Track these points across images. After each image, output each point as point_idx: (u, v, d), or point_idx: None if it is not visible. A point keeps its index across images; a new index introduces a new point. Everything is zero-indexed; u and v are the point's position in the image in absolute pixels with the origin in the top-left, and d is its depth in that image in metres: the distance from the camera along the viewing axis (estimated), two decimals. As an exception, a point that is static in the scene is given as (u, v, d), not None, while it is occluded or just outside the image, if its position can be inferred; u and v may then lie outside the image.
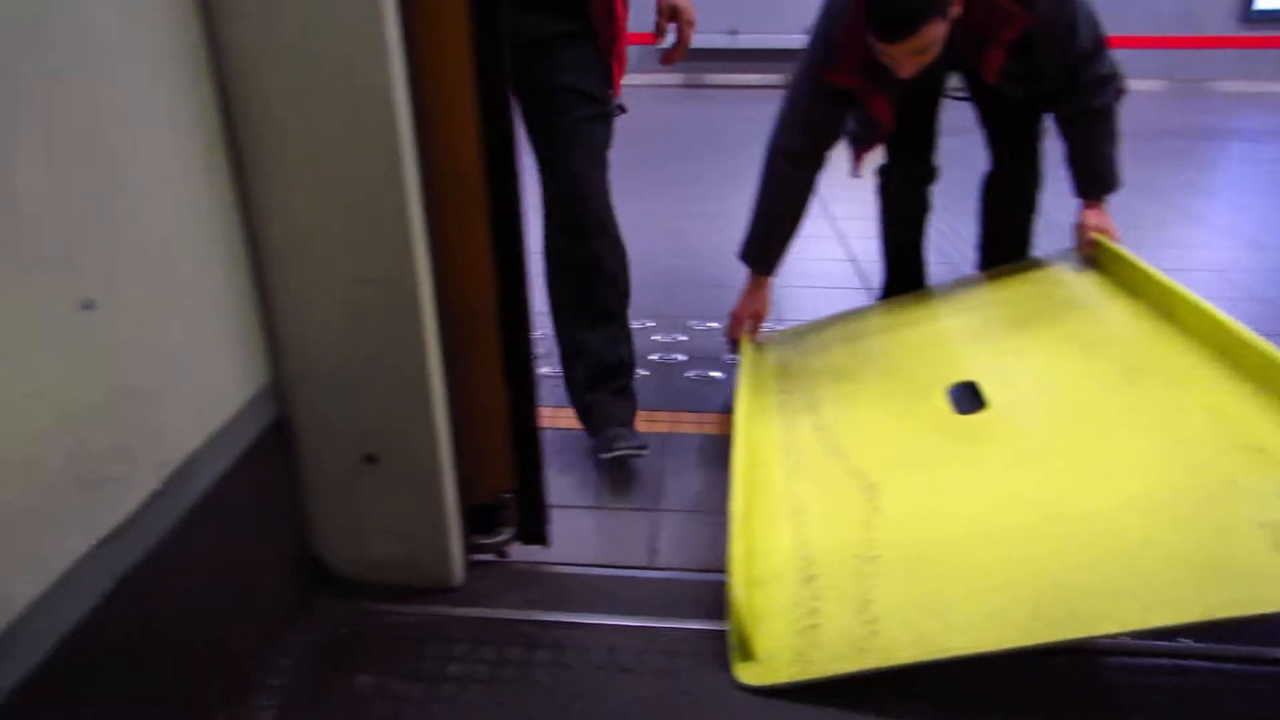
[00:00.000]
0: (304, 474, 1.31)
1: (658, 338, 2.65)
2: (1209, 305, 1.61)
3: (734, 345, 2.27)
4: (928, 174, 2.37)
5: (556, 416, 2.05)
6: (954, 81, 2.26)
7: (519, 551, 1.49)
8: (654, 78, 8.86)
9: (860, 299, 2.91)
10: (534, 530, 1.49)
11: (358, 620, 1.31)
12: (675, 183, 4.79)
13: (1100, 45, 1.98)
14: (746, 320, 2.26)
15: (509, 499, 1.45)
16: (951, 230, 3.38)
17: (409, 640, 1.28)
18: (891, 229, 2.51)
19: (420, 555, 1.36)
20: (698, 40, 1.95)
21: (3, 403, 0.76)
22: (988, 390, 1.71)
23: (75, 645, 0.84)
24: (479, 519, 1.45)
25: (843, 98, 2.05)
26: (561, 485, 1.77)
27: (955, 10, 1.82)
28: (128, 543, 0.92)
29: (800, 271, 3.21)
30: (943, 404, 1.73)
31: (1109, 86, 2.01)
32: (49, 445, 0.82)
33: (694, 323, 2.75)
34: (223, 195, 1.11)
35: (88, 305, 0.86)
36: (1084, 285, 2.04)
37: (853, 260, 3.37)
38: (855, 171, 2.27)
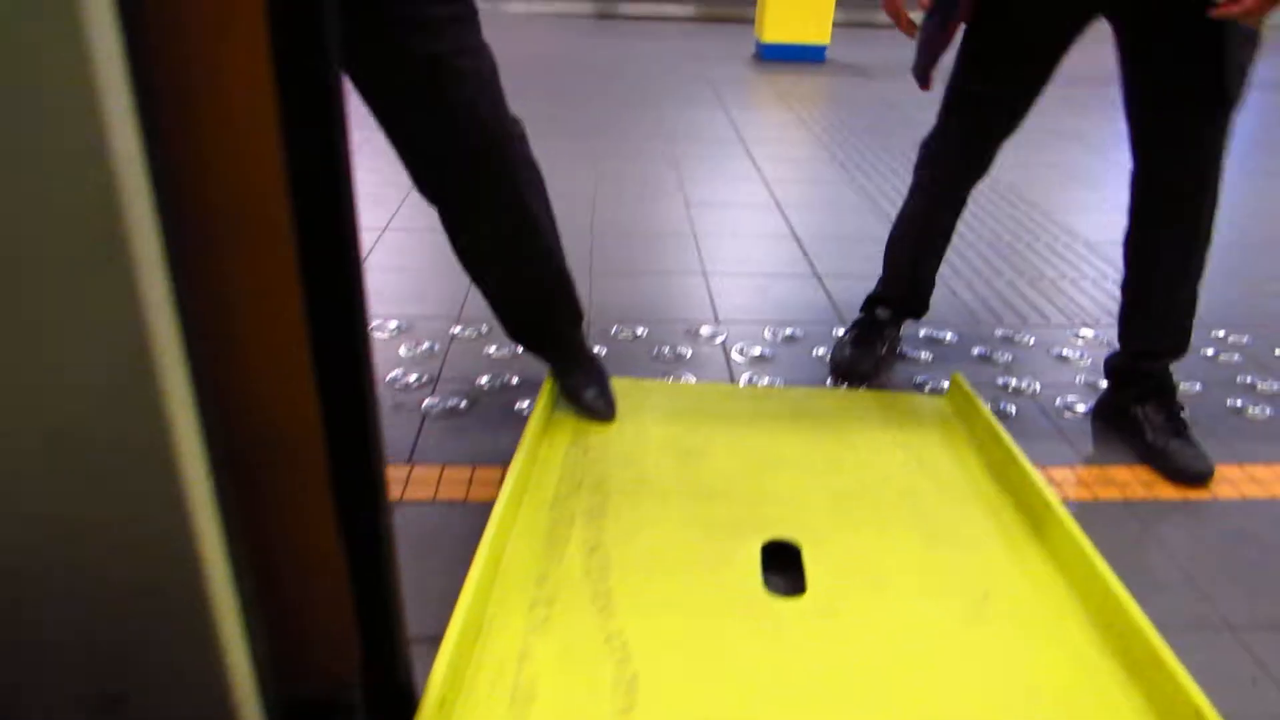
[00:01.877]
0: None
1: (490, 350, 2.00)
2: (1075, 527, 1.38)
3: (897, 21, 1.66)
4: (979, 164, 1.79)
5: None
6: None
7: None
8: (564, 6, 8.12)
9: (814, 291, 2.45)
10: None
11: None
12: (572, 132, 4.21)
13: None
14: None
15: (352, 690, 0.94)
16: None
17: None
18: (913, 223, 1.94)
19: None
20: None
21: None
22: (810, 568, 1.34)
23: None
24: (305, 721, 0.93)
25: None
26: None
27: None
28: None
29: (737, 256, 2.71)
30: (754, 566, 1.34)
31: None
32: None
33: None
34: None
35: None
36: (949, 454, 1.67)
37: (796, 238, 2.89)
38: (926, 81, 1.70)
